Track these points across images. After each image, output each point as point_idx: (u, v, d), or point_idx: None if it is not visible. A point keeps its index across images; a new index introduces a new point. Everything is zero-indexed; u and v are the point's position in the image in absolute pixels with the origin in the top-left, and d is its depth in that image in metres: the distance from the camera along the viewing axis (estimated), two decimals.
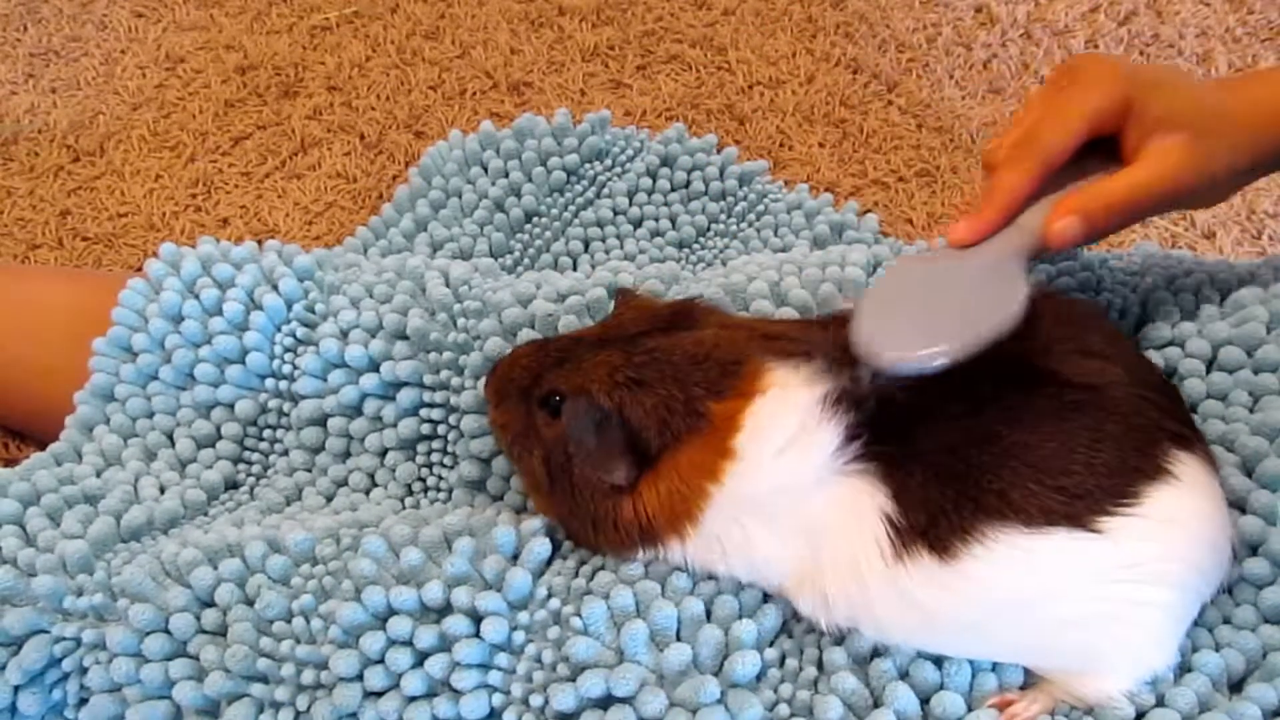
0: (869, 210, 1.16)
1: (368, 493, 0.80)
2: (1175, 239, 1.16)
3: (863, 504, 0.56)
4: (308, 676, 0.61)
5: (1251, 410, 0.67)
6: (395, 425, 0.79)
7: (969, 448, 0.55)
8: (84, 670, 0.66)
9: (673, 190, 1.09)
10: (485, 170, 1.06)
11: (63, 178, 1.25)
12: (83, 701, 0.67)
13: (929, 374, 0.56)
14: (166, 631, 0.64)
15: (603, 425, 0.60)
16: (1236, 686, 0.58)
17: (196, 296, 0.82)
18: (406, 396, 0.79)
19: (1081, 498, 0.54)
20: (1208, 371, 0.70)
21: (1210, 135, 0.67)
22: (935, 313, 0.61)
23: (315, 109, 1.32)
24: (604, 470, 0.61)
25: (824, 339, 0.62)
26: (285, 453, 0.83)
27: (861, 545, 0.56)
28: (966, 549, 0.54)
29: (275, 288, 0.83)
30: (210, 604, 0.65)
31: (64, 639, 0.66)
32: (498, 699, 0.59)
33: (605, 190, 1.08)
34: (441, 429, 0.79)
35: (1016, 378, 0.58)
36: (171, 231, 1.19)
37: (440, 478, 0.79)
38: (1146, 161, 0.66)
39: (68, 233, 1.20)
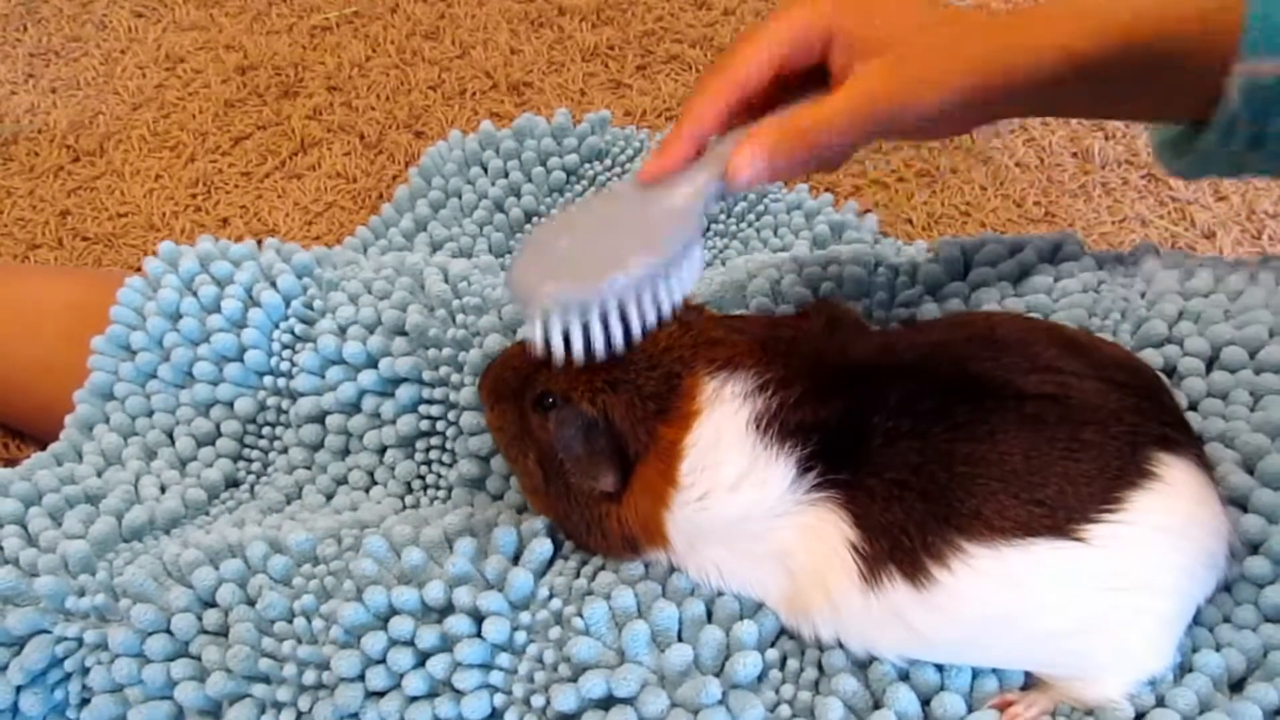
0: (869, 210, 1.16)
1: (367, 490, 0.80)
2: (1175, 239, 1.16)
3: (827, 533, 0.56)
4: (309, 677, 0.61)
5: (1253, 409, 0.67)
6: (394, 422, 0.79)
7: (930, 466, 0.54)
8: (86, 670, 0.66)
9: None
10: (485, 170, 1.06)
11: (63, 178, 1.25)
12: (85, 701, 0.67)
13: (567, 321, 0.56)
14: (168, 632, 0.64)
15: (590, 432, 0.60)
16: (1237, 686, 0.58)
17: (195, 294, 0.82)
18: (405, 393, 0.78)
19: (1061, 508, 0.53)
20: (1208, 370, 0.70)
21: (918, 56, 0.60)
22: (593, 251, 0.57)
23: (315, 109, 1.32)
24: (592, 478, 0.61)
25: (768, 341, 0.61)
26: (285, 450, 0.83)
27: (833, 573, 0.56)
28: (943, 568, 0.53)
29: (273, 285, 0.83)
30: (212, 604, 0.65)
31: (66, 639, 0.66)
32: (499, 699, 0.59)
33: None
34: (440, 425, 0.79)
35: (962, 392, 0.57)
36: (171, 231, 1.19)
37: (439, 475, 0.79)
38: (843, 88, 0.60)
39: (68, 233, 1.20)
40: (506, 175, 1.05)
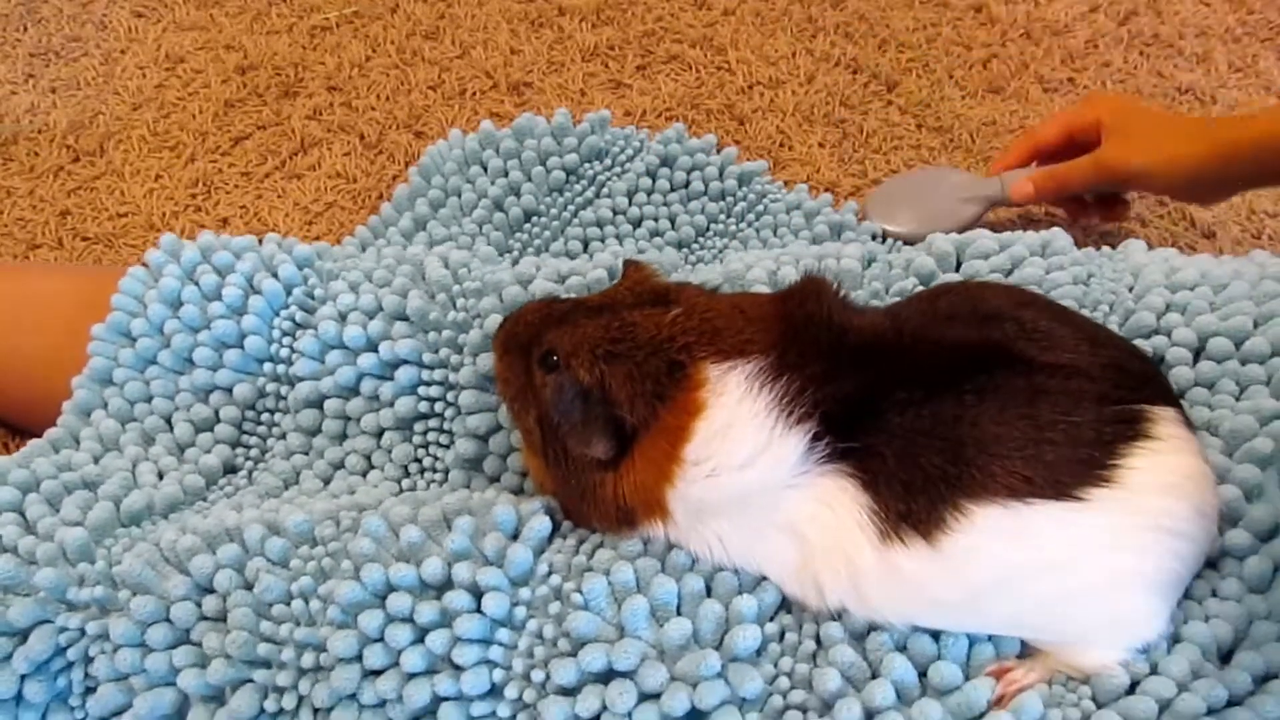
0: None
1: (364, 475, 0.80)
2: (1175, 239, 1.16)
3: (840, 500, 0.57)
4: (308, 660, 0.61)
5: (1238, 398, 0.69)
6: (392, 404, 0.79)
7: (940, 430, 0.55)
8: (89, 660, 0.66)
9: (672, 190, 1.09)
10: (485, 170, 1.06)
11: (63, 178, 1.25)
12: (89, 690, 0.67)
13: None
14: (168, 621, 0.64)
15: (586, 400, 0.60)
16: (1226, 656, 0.59)
17: (196, 283, 0.82)
18: (405, 375, 0.78)
19: (1063, 469, 0.54)
20: (1195, 360, 0.71)
21: (1136, 134, 0.98)
22: (920, 206, 1.09)
23: (315, 109, 1.32)
24: (585, 444, 0.61)
25: (773, 324, 0.61)
26: (283, 436, 0.83)
27: (848, 537, 0.56)
28: (951, 528, 0.54)
29: (274, 274, 0.83)
30: (211, 591, 0.65)
31: (68, 629, 0.66)
32: (499, 674, 0.59)
33: (605, 190, 1.08)
34: (439, 407, 0.79)
35: (968, 361, 0.58)
36: (171, 231, 1.19)
37: (436, 458, 0.79)
38: (1090, 154, 1.02)
39: (68, 233, 1.19)
40: (506, 174, 1.05)
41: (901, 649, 0.58)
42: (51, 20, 1.45)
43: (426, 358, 0.78)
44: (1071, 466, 0.54)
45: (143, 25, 1.44)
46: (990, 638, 0.59)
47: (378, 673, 0.60)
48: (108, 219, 1.21)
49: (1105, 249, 0.86)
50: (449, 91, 1.34)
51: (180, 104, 1.33)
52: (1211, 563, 0.62)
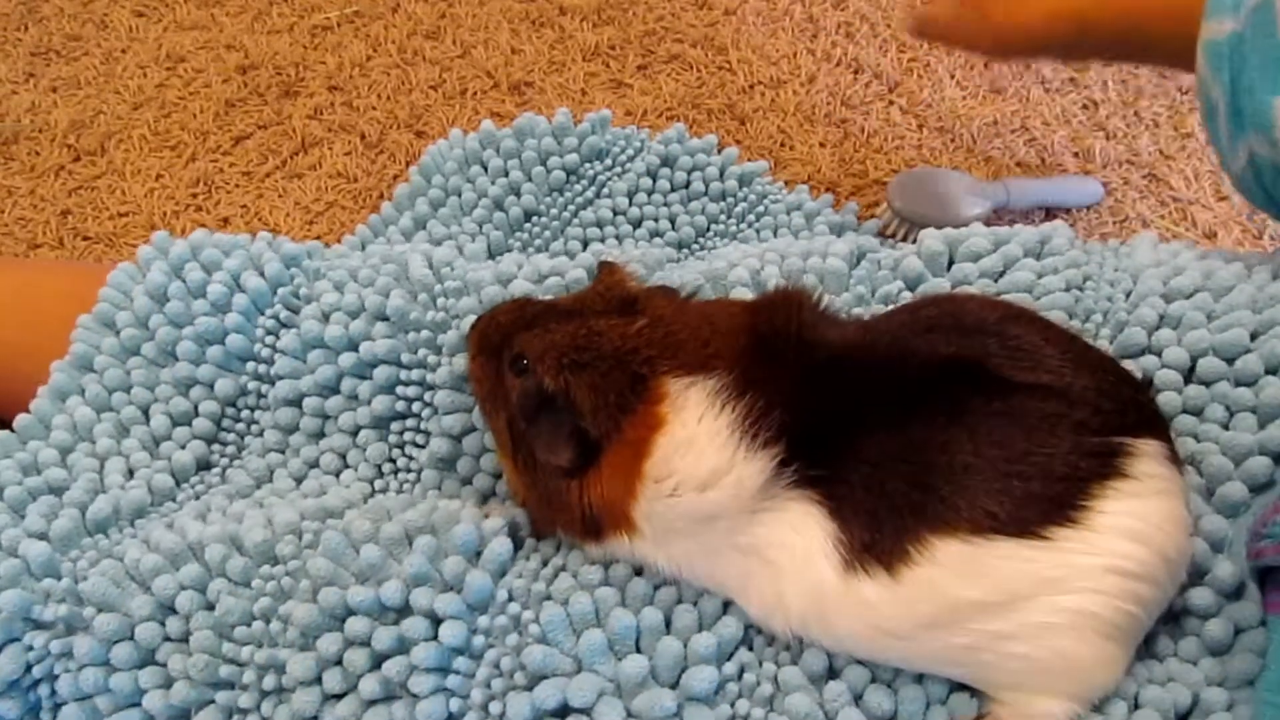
0: (872, 209, 1.16)
1: (338, 475, 0.79)
2: (1176, 239, 1.15)
3: (806, 527, 0.56)
4: (269, 681, 0.61)
5: (1226, 427, 0.66)
6: (369, 403, 0.78)
7: (910, 454, 0.54)
8: (54, 677, 0.65)
9: (673, 191, 1.09)
10: (485, 169, 1.06)
11: (63, 177, 1.25)
12: (57, 707, 0.66)
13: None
14: (133, 640, 0.64)
15: (550, 407, 0.60)
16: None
17: (182, 279, 0.82)
18: (382, 374, 0.78)
19: (1031, 504, 0.52)
20: (1186, 381, 0.68)
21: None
22: (938, 198, 1.12)
23: (316, 108, 1.32)
24: (551, 452, 0.60)
25: (739, 337, 0.60)
26: (261, 433, 0.82)
27: (814, 565, 0.55)
28: (912, 558, 0.53)
29: (261, 272, 0.83)
30: (175, 611, 0.64)
31: (34, 648, 0.65)
32: (455, 704, 0.59)
33: (605, 190, 1.08)
34: (415, 406, 0.79)
35: (941, 381, 0.56)
36: (172, 231, 1.19)
37: (411, 458, 0.79)
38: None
39: (68, 232, 1.20)
40: (506, 174, 1.05)
41: (858, 700, 0.57)
42: (52, 19, 1.45)
43: (405, 357, 0.78)
44: (1038, 503, 0.52)
45: (143, 24, 1.44)
46: (946, 700, 0.58)
47: (337, 696, 0.59)
48: (109, 218, 1.21)
49: (1112, 243, 0.83)
50: (450, 91, 1.34)
51: (181, 103, 1.33)
52: (1175, 616, 0.60)
